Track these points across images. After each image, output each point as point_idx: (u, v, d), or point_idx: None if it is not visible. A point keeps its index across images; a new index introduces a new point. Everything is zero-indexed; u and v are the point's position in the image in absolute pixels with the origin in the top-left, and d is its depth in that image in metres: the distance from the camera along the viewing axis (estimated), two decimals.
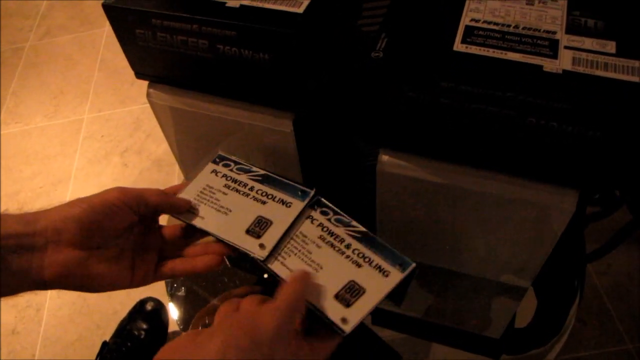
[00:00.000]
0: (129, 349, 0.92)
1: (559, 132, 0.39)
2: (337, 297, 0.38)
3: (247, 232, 0.43)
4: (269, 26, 0.44)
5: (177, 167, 1.25)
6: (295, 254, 0.41)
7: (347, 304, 0.38)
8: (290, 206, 0.44)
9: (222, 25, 0.45)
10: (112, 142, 1.33)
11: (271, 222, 0.43)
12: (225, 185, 0.46)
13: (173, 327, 0.95)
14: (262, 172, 0.46)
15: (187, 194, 0.46)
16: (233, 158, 0.48)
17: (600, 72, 0.38)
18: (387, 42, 0.41)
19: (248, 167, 0.47)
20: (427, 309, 0.65)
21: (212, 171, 0.47)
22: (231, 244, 0.43)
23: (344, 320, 0.37)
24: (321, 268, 0.40)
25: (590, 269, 0.98)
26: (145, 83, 0.55)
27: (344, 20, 0.52)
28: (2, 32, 1.69)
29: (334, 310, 0.38)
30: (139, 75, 0.54)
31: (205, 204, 0.45)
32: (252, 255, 0.41)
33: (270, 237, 0.42)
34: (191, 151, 0.60)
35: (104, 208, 0.39)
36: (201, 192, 0.46)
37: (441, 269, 0.57)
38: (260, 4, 0.46)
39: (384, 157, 0.46)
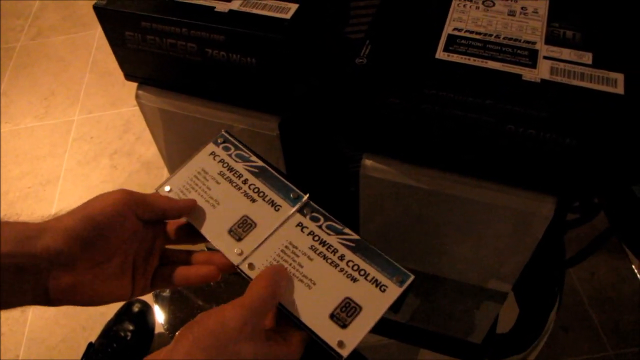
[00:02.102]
0: (114, 350, 0.91)
1: (537, 140, 0.40)
2: (332, 317, 0.36)
3: (229, 231, 0.41)
4: (256, 31, 0.45)
5: (166, 170, 1.25)
6: (286, 268, 0.39)
7: (343, 325, 0.36)
8: (278, 210, 0.42)
9: (211, 29, 0.46)
10: (101, 143, 1.33)
11: (255, 225, 0.41)
12: (220, 173, 0.44)
13: (159, 329, 0.95)
14: (260, 163, 0.44)
15: (181, 176, 0.45)
16: (235, 141, 0.46)
17: (576, 82, 0.39)
18: (371, 48, 0.42)
19: (247, 155, 0.45)
20: (409, 313, 0.66)
21: (211, 153, 0.46)
22: (210, 242, 0.41)
23: (340, 344, 0.35)
24: (314, 284, 0.38)
25: (573, 277, 1.00)
26: (135, 86, 0.56)
27: (330, 27, 0.53)
28: None
29: (329, 333, 0.36)
30: (129, 77, 0.54)
31: (195, 191, 0.44)
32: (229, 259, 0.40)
33: (251, 242, 0.41)
34: (179, 153, 0.61)
35: (109, 220, 0.37)
36: (195, 176, 0.44)
37: (423, 273, 0.58)
38: (248, 9, 0.47)
39: (367, 162, 0.47)
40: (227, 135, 0.46)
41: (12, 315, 1.05)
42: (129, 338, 0.93)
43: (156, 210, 0.40)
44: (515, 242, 0.50)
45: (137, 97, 0.54)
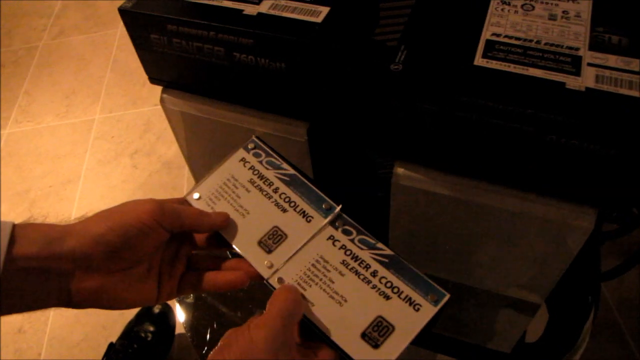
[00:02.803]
0: (135, 351, 0.91)
1: (579, 150, 0.38)
2: (364, 336, 0.35)
3: (260, 243, 0.40)
4: (286, 35, 0.43)
5: (186, 170, 1.25)
6: (316, 283, 0.38)
7: (375, 345, 0.35)
8: (310, 221, 0.41)
9: (239, 32, 0.45)
10: (122, 143, 1.33)
11: (286, 237, 0.40)
12: (250, 181, 0.43)
13: (180, 330, 0.95)
14: (291, 171, 0.43)
15: (210, 183, 0.44)
16: (265, 147, 0.45)
17: (624, 91, 0.37)
18: (406, 54, 0.41)
19: (278, 163, 0.44)
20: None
21: (241, 159, 0.44)
22: (240, 253, 0.40)
23: None
24: (345, 301, 0.37)
25: (601, 283, 0.97)
26: (156, 85, 0.55)
27: (362, 32, 0.51)
28: (16, 31, 1.71)
29: (360, 353, 0.34)
30: (153, 80, 0.54)
31: (225, 199, 0.43)
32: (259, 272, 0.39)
33: (281, 255, 0.39)
34: (203, 158, 0.60)
35: (137, 231, 0.36)
36: (225, 183, 0.43)
37: (452, 281, 0.57)
38: (278, 13, 0.46)
39: (400, 170, 0.46)
40: (258, 141, 0.45)
41: (34, 313, 1.05)
42: (149, 339, 0.93)
43: (186, 226, 0.39)
44: (551, 254, 0.48)
45: (161, 100, 0.54)
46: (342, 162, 0.53)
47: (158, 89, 0.55)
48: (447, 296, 0.36)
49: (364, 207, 0.42)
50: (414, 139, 0.44)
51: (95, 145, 1.34)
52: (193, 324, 0.61)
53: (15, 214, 1.22)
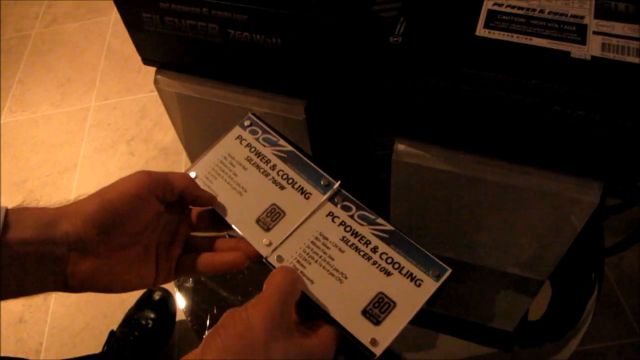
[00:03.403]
0: (136, 338, 0.91)
1: (585, 122, 0.37)
2: (365, 313, 0.35)
3: (257, 221, 0.40)
4: (281, 9, 0.42)
5: (184, 156, 1.24)
6: (316, 261, 0.37)
7: (377, 322, 0.34)
8: (308, 198, 0.40)
9: (233, 8, 0.44)
10: (118, 130, 1.32)
11: (284, 214, 0.40)
12: (247, 158, 0.43)
13: (180, 316, 0.94)
14: (289, 147, 0.43)
15: (207, 161, 0.43)
16: (262, 124, 0.44)
17: (631, 59, 0.36)
18: (405, 26, 0.40)
19: (275, 139, 0.43)
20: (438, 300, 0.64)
21: (237, 137, 0.44)
22: (237, 231, 0.40)
23: (373, 341, 0.34)
24: (346, 278, 0.36)
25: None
26: (152, 71, 0.54)
27: (359, 3, 0.50)
28: (8, 20, 1.68)
29: (361, 330, 0.34)
30: (147, 61, 0.52)
31: (222, 178, 0.42)
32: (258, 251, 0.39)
33: (279, 233, 0.39)
34: (199, 139, 0.59)
35: (128, 205, 0.36)
36: (221, 161, 0.43)
37: (454, 260, 0.56)
38: None
39: (400, 147, 0.45)
40: (254, 118, 0.44)
41: (35, 302, 1.05)
42: (150, 326, 0.93)
43: (177, 189, 0.39)
44: (555, 230, 0.47)
45: (155, 82, 0.52)
46: (341, 142, 0.52)
47: (153, 75, 0.54)
48: (449, 271, 0.36)
49: (364, 189, 0.41)
50: (415, 114, 0.43)
51: (92, 133, 1.33)
52: (193, 309, 0.60)
53: (13, 205, 1.20)
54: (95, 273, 0.35)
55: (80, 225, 0.34)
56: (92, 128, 1.34)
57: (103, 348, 0.90)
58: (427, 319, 0.62)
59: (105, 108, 1.38)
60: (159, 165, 1.24)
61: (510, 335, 0.64)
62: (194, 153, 0.62)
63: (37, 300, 1.05)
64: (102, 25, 1.60)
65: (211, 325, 0.59)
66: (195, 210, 0.42)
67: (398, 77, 0.40)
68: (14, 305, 1.04)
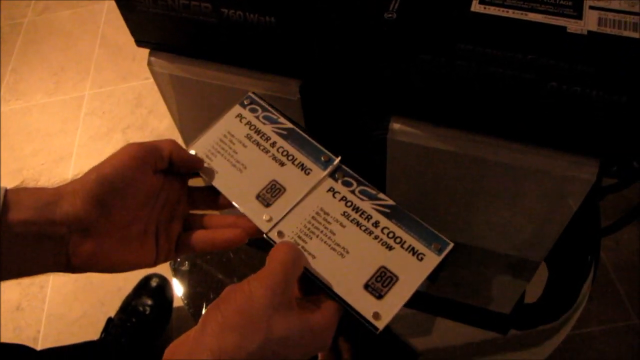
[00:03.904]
0: (133, 325, 0.91)
1: (581, 97, 0.37)
2: (367, 287, 0.34)
3: (258, 197, 0.39)
4: None
5: (180, 143, 1.23)
6: (317, 236, 0.37)
7: (379, 296, 0.34)
8: (309, 173, 0.40)
9: None
10: (113, 118, 1.31)
11: (284, 190, 0.39)
12: (247, 136, 0.42)
13: (178, 302, 0.95)
14: (289, 125, 0.42)
15: (206, 140, 0.43)
16: (262, 102, 0.44)
17: (628, 33, 0.36)
18: (400, 2, 0.39)
19: (275, 117, 0.43)
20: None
21: (237, 115, 0.44)
22: (237, 207, 0.40)
23: (376, 315, 0.33)
24: (347, 252, 0.36)
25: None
26: (146, 57, 0.53)
27: None
28: (0, 8, 1.66)
29: (364, 304, 0.34)
30: (140, 42, 0.52)
31: (222, 155, 0.42)
32: (259, 227, 0.38)
33: (280, 208, 0.39)
34: (195, 123, 0.58)
35: (123, 176, 0.35)
36: (221, 139, 0.43)
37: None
38: None
39: (395, 125, 0.44)
40: (254, 97, 0.44)
41: (31, 291, 1.05)
42: (147, 312, 0.93)
43: (166, 154, 0.39)
44: (551, 209, 0.47)
45: (149, 63, 0.52)
46: (336, 122, 0.52)
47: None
48: (451, 245, 0.36)
49: (360, 170, 0.41)
50: (410, 91, 0.42)
51: (87, 122, 1.32)
52: (189, 293, 0.60)
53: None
54: (96, 253, 0.35)
55: (79, 204, 0.34)
56: (87, 116, 1.33)
57: (100, 335, 0.91)
58: (422, 301, 0.62)
59: (100, 96, 1.37)
60: None
61: (506, 318, 0.64)
62: (189, 136, 0.61)
63: (34, 288, 1.05)
64: (96, 13, 1.59)
65: (201, 305, 0.59)
66: (194, 189, 0.42)
67: (392, 54, 0.39)
68: (12, 293, 1.04)
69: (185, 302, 0.61)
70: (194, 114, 0.57)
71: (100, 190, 0.35)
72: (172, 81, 0.53)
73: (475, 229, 0.54)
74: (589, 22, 0.37)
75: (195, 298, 0.60)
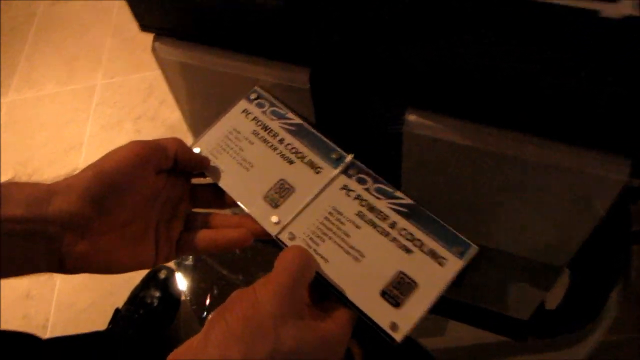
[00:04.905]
0: (141, 316, 0.90)
1: (614, 89, 0.34)
2: (384, 294, 0.32)
3: (265, 197, 0.37)
4: None
5: (188, 134, 1.22)
6: (330, 238, 0.35)
7: (396, 304, 0.32)
8: (319, 172, 0.37)
9: None
10: (124, 108, 1.31)
11: (293, 189, 0.37)
12: (254, 132, 0.40)
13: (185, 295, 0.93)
14: (298, 120, 0.40)
15: (211, 136, 0.41)
16: (269, 97, 0.42)
17: None
18: None
19: (283, 112, 0.41)
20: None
21: (243, 110, 0.42)
22: (243, 208, 0.38)
23: (393, 326, 0.31)
24: (362, 256, 0.34)
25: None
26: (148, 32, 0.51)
27: None
28: None
29: (380, 313, 0.31)
30: (144, 27, 0.49)
31: (227, 153, 0.40)
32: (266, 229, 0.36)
33: (289, 210, 0.36)
34: (202, 113, 0.56)
35: (123, 175, 0.33)
36: (226, 136, 0.41)
37: None
38: None
39: (412, 117, 0.41)
40: (261, 91, 0.42)
41: (41, 279, 1.05)
42: (155, 304, 0.92)
43: (171, 153, 0.37)
44: (578, 211, 0.44)
45: (153, 49, 0.50)
46: (348, 114, 0.49)
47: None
48: (475, 248, 0.33)
49: (374, 166, 0.38)
50: (428, 80, 0.39)
51: (98, 111, 1.31)
52: (192, 288, 0.58)
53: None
54: (92, 253, 0.33)
55: (75, 201, 0.32)
56: (98, 106, 1.32)
57: (108, 326, 0.90)
58: (437, 304, 0.59)
59: (112, 86, 1.36)
60: None
61: (525, 324, 0.61)
62: (197, 128, 0.59)
63: (44, 276, 1.04)
64: (108, 4, 1.58)
65: (211, 304, 0.57)
66: (196, 186, 0.40)
67: (410, 38, 0.36)
68: (21, 281, 1.04)
69: (189, 297, 0.59)
70: (202, 102, 0.55)
71: (98, 188, 0.33)
72: (178, 68, 0.50)
73: (496, 230, 0.51)
74: (625, 5, 0.33)
75: (198, 293, 0.58)
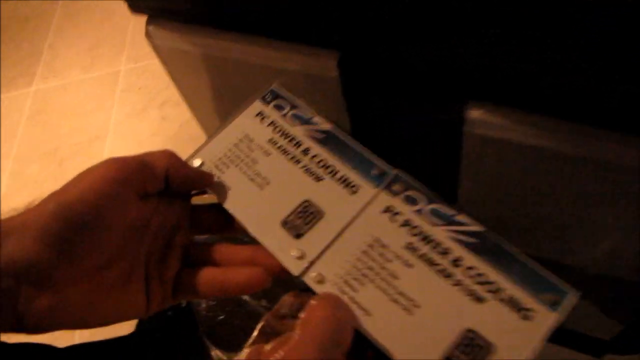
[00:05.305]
0: (169, 318, 0.86)
1: None
2: None
3: (284, 224, 0.30)
4: None
5: (201, 131, 1.16)
6: (372, 281, 0.27)
7: None
8: (355, 192, 0.30)
9: None
10: (149, 94, 1.26)
11: (322, 214, 0.29)
12: (271, 141, 0.33)
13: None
14: (327, 126, 0.32)
15: (217, 145, 0.33)
16: (290, 97, 0.34)
17: None
18: None
19: (308, 116, 0.33)
20: None
21: (258, 113, 0.34)
22: (256, 238, 0.30)
23: None
24: (417, 306, 0.26)
25: None
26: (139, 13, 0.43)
27: None
28: None
29: None
30: (135, 7, 0.41)
31: (236, 165, 0.32)
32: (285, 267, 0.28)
33: (316, 241, 0.28)
34: (209, 105, 0.48)
35: (95, 206, 0.26)
36: (236, 145, 0.33)
37: (540, 258, 0.43)
38: None
39: (474, 114, 0.31)
40: (279, 91, 0.34)
41: None
42: (184, 305, 0.87)
43: (158, 172, 0.29)
44: None
45: (147, 34, 0.41)
46: (385, 107, 0.39)
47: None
48: (576, 295, 0.24)
49: (422, 174, 0.29)
50: (492, 69, 0.29)
51: (123, 98, 1.27)
52: (210, 323, 0.51)
53: (46, 174, 1.18)
54: (60, 307, 0.26)
55: (30, 245, 0.25)
56: (122, 93, 1.28)
57: (136, 328, 0.86)
58: None
59: (136, 71, 1.31)
60: (193, 130, 1.15)
61: (606, 344, 0.52)
62: (205, 122, 0.51)
63: None
64: None
65: (232, 336, 0.50)
66: (197, 207, 0.32)
67: (462, 22, 0.26)
68: None
69: (205, 331, 0.51)
70: (209, 96, 0.47)
71: (61, 225, 0.25)
72: (177, 56, 0.42)
73: (570, 243, 0.41)
74: None
75: (214, 326, 0.51)
